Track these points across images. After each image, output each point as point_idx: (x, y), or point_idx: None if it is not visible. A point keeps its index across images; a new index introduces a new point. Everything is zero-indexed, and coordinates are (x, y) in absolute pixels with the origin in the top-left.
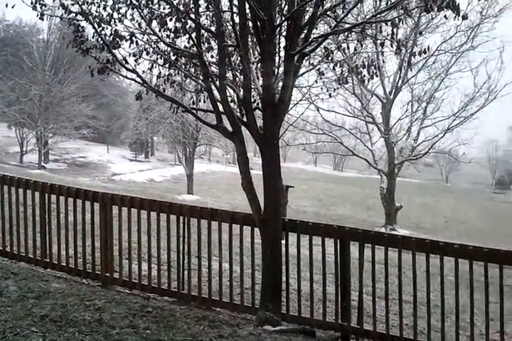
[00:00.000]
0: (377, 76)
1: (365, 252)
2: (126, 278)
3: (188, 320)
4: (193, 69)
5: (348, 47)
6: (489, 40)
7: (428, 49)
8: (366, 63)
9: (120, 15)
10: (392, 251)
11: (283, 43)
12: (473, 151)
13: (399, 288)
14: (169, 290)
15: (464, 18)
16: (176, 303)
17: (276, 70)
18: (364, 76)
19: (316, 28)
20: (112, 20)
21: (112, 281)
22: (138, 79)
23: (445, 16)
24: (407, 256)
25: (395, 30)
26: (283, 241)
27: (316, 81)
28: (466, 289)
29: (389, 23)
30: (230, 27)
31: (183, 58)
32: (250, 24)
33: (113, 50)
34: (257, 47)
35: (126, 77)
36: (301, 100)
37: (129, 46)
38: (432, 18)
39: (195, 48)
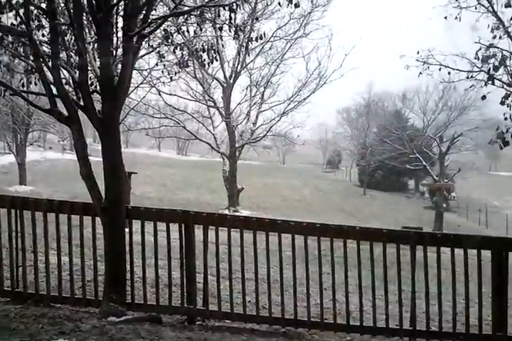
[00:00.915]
0: (217, 60)
1: (209, 234)
2: None
3: (24, 319)
4: (22, 49)
5: (188, 31)
6: (319, 28)
7: (264, 35)
8: (206, 47)
9: None
10: (235, 231)
11: (121, 23)
12: (307, 133)
13: (241, 266)
14: (1, 290)
15: (297, 6)
16: (11, 303)
17: (114, 52)
18: (204, 60)
19: (156, 10)
20: None
21: None
22: None
23: (279, 3)
24: (249, 235)
25: (232, 15)
26: (127, 229)
27: (156, 64)
28: (303, 263)
29: (227, 8)
30: (62, 4)
31: (9, 36)
32: (85, 2)
33: None
34: (93, 27)
35: None
36: (141, 83)
37: None
38: (268, 5)
39: (23, 26)
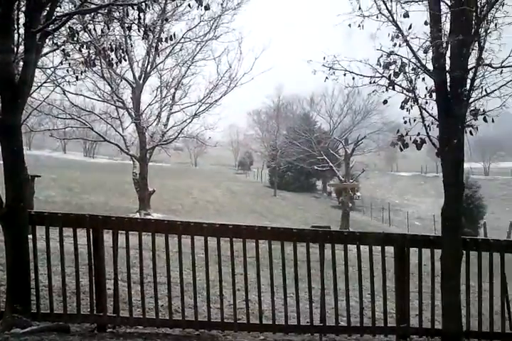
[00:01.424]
0: (125, 60)
1: (119, 239)
2: None
3: None
4: None
5: (95, 29)
6: (229, 32)
7: (174, 36)
8: (114, 46)
9: None
10: (146, 235)
11: (23, 19)
12: (218, 135)
13: (153, 270)
14: None
15: (207, 8)
16: None
17: (15, 49)
18: (112, 59)
19: (61, 7)
20: None
21: None
22: None
23: (189, 5)
24: (161, 238)
25: (141, 14)
26: (30, 236)
27: (61, 62)
28: (216, 264)
29: (135, 7)
30: None
31: None
32: None
33: None
34: None
35: None
36: (45, 82)
37: None
38: (178, 6)
39: None
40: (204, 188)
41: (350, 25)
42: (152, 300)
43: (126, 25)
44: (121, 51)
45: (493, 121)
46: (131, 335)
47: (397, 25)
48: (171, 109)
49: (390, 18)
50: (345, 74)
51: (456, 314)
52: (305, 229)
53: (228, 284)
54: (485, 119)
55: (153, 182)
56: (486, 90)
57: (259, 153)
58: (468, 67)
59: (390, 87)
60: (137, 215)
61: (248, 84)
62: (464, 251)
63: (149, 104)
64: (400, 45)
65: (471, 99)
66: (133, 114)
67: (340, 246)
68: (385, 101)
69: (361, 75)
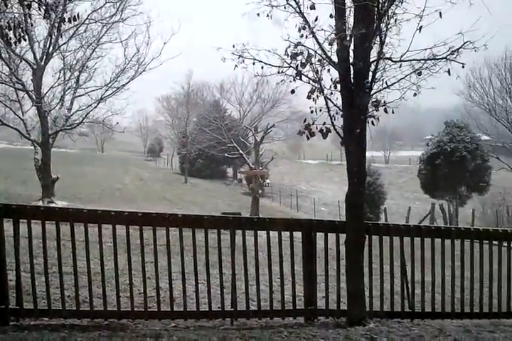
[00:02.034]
0: (25, 40)
1: (20, 228)
2: None
3: None
4: None
5: None
6: (137, 15)
7: (78, 16)
8: (12, 25)
9: None
10: (50, 224)
11: None
12: (126, 121)
13: (58, 261)
14: None
15: None
16: None
17: None
18: (10, 38)
19: None
20: None
21: None
22: None
23: None
24: (66, 227)
25: None
26: None
27: None
28: (125, 253)
29: None
30: None
31: None
32: None
33: None
34: None
35: None
36: None
37: None
38: None
39: None
40: (112, 175)
41: (258, 14)
42: (58, 291)
43: (26, 2)
44: (20, 30)
45: (393, 112)
46: (36, 327)
47: (303, 17)
48: (75, 93)
49: (297, 9)
50: (254, 63)
51: (360, 296)
52: (216, 216)
53: (138, 273)
54: (385, 110)
55: (56, 168)
56: (386, 83)
57: (169, 139)
58: (371, 60)
59: (297, 77)
60: (40, 203)
61: (157, 69)
62: (367, 236)
63: (52, 87)
64: (306, 37)
65: (373, 91)
66: (34, 96)
67: (251, 232)
68: (293, 91)
69: (269, 65)
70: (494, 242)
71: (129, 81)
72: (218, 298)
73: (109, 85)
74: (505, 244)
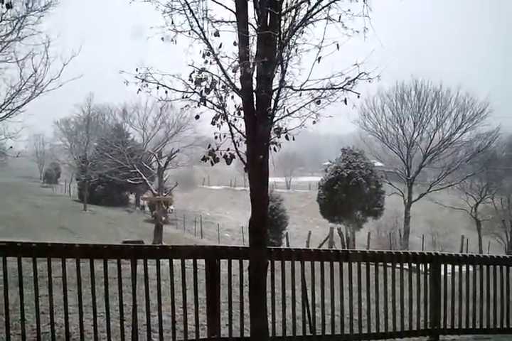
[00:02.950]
0: None
1: None
2: None
3: None
4: None
5: None
6: (35, 34)
7: None
8: None
9: None
10: None
11: None
12: (21, 145)
13: None
14: None
15: (9, 6)
16: None
17: None
18: None
19: None
20: None
21: None
22: None
23: None
24: None
25: None
26: None
27: None
28: (16, 287)
29: None
30: None
31: None
32: None
33: None
34: None
35: None
36: None
37: None
38: None
39: None
40: (4, 203)
41: (163, 38)
42: None
43: None
44: None
45: (293, 139)
46: None
47: (208, 43)
48: None
49: (202, 35)
50: (158, 88)
51: (263, 322)
52: (116, 245)
53: (31, 307)
54: (287, 137)
55: None
56: (287, 110)
57: (68, 165)
58: (273, 88)
59: (202, 103)
60: None
61: (56, 91)
62: (269, 261)
63: None
64: (211, 63)
65: (275, 118)
66: None
67: (153, 260)
68: (197, 117)
69: (174, 89)
70: (388, 264)
71: (25, 103)
72: (118, 332)
73: (3, 107)
74: (398, 266)
